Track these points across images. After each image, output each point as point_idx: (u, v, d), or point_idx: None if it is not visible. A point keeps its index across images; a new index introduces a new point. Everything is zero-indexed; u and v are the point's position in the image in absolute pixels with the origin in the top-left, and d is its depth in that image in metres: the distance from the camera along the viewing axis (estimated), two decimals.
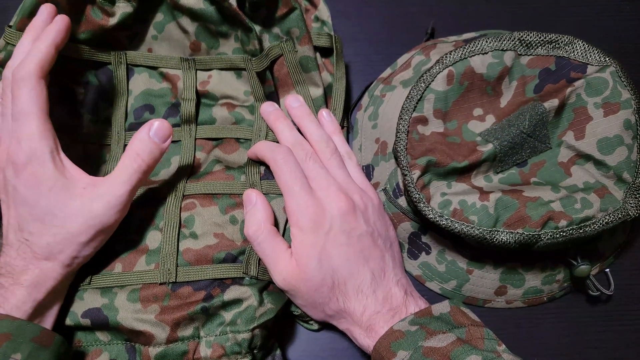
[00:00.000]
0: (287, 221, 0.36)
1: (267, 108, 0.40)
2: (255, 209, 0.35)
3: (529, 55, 0.37)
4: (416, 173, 0.36)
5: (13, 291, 0.30)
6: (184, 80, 0.41)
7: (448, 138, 0.37)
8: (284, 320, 0.38)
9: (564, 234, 0.34)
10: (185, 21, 0.40)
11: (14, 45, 0.36)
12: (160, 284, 0.34)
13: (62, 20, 0.33)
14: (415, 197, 0.35)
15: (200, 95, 0.41)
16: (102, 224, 0.32)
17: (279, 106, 0.41)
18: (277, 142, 0.39)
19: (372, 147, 0.42)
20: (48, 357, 0.29)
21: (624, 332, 0.39)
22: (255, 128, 0.40)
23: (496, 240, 0.34)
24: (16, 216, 0.31)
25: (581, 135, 0.36)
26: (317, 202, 0.34)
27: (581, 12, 0.48)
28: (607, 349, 0.39)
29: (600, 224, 0.34)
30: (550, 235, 0.34)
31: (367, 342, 0.32)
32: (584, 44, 0.37)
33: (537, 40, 0.37)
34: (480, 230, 0.34)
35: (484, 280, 0.39)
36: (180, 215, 0.36)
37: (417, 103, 0.37)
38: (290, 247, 0.35)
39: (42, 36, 0.32)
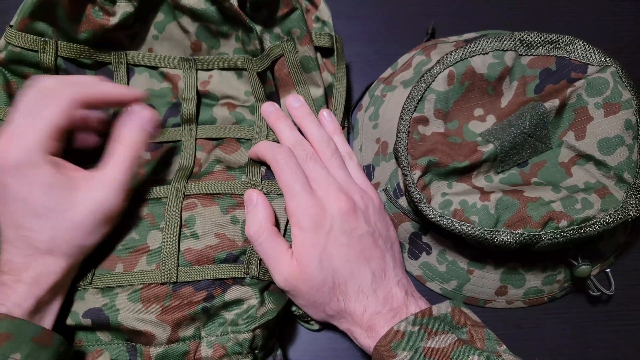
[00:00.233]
0: (288, 221, 0.36)
1: (268, 108, 0.40)
2: (256, 209, 0.35)
3: (529, 56, 0.37)
4: (417, 173, 0.36)
5: (15, 288, 0.30)
6: (184, 80, 0.41)
7: (449, 138, 0.37)
8: (284, 320, 0.38)
9: (565, 234, 0.34)
10: (186, 21, 0.40)
11: (15, 45, 0.36)
12: (161, 284, 0.34)
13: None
14: (416, 197, 0.35)
15: (201, 95, 0.41)
16: (106, 211, 0.32)
17: (280, 106, 0.41)
18: (278, 142, 0.39)
19: (373, 147, 0.42)
20: (48, 356, 0.29)
21: (625, 332, 0.39)
22: (256, 128, 0.40)
23: (497, 240, 0.34)
24: (10, 213, 0.31)
25: (582, 136, 0.36)
26: (317, 202, 0.34)
27: (582, 12, 0.48)
28: (608, 349, 0.39)
29: (601, 224, 0.34)
30: (551, 236, 0.34)
31: (368, 342, 0.32)
32: (584, 44, 0.37)
33: (537, 40, 0.37)
34: (480, 231, 0.34)
35: (485, 281, 0.39)
36: (181, 215, 0.36)
37: (417, 103, 0.37)
38: (291, 247, 0.34)
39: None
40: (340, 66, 0.41)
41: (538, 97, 0.37)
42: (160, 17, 0.41)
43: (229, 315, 0.34)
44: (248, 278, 0.35)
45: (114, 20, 0.38)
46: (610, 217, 0.34)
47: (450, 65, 0.37)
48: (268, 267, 0.34)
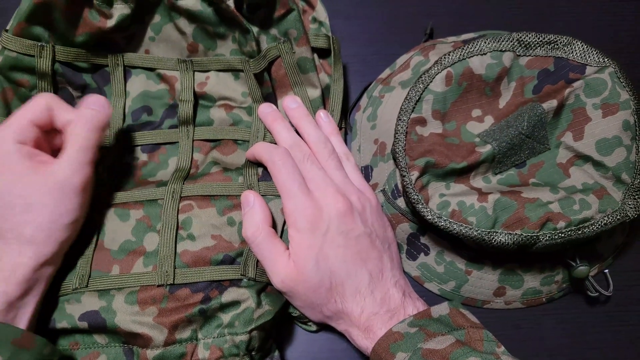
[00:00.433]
0: (284, 223, 0.36)
1: (265, 109, 0.40)
2: (253, 211, 0.35)
3: (527, 56, 0.37)
4: (415, 174, 0.36)
5: None
6: (181, 81, 0.41)
7: (447, 139, 0.37)
8: (282, 321, 0.38)
9: (563, 235, 0.34)
10: (183, 22, 0.40)
11: (11, 50, 0.36)
12: (158, 286, 0.34)
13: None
14: (414, 198, 0.35)
15: (198, 97, 0.41)
16: (65, 188, 0.32)
17: (277, 107, 0.41)
18: (275, 143, 0.39)
19: (371, 148, 0.42)
20: (30, 359, 0.28)
21: (623, 332, 0.39)
22: (253, 129, 0.40)
23: (495, 241, 0.34)
24: None
25: (580, 136, 0.36)
26: (314, 204, 0.34)
27: (581, 12, 0.48)
28: (606, 350, 0.39)
29: (599, 225, 0.34)
30: (549, 237, 0.34)
31: (366, 343, 0.32)
32: (582, 45, 0.36)
33: (535, 41, 0.37)
34: (478, 232, 0.34)
35: (483, 281, 0.39)
36: (177, 217, 0.36)
37: (415, 104, 0.37)
38: (288, 248, 0.34)
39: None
40: (337, 67, 0.41)
41: (536, 98, 0.37)
42: (157, 18, 0.40)
43: (225, 317, 0.34)
44: (245, 280, 0.35)
45: (111, 23, 0.38)
46: (608, 218, 0.34)
47: (448, 66, 0.36)
48: (265, 268, 0.34)
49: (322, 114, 0.40)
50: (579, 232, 0.34)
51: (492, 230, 0.34)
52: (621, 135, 0.35)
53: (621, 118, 0.35)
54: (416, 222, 0.39)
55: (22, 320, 0.31)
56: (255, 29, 0.40)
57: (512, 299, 0.39)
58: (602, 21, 0.48)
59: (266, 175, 0.38)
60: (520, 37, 0.37)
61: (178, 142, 0.40)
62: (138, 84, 0.41)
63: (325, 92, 0.42)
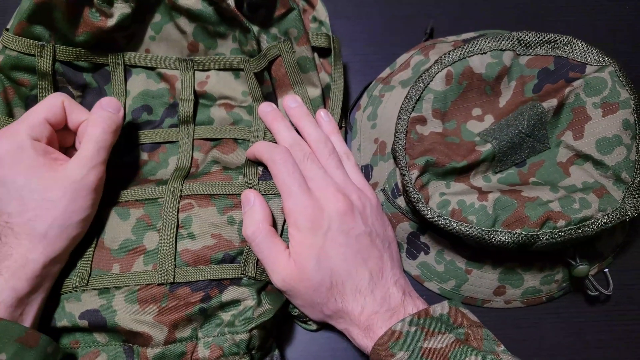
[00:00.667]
0: (285, 221, 0.36)
1: (265, 108, 0.40)
2: (253, 210, 0.35)
3: (527, 55, 0.37)
4: (415, 173, 0.36)
5: None
6: (182, 80, 0.41)
7: (447, 138, 0.37)
8: (282, 320, 0.38)
9: (563, 234, 0.34)
10: (183, 22, 0.40)
11: (12, 49, 0.36)
12: (158, 284, 0.34)
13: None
14: (414, 197, 0.35)
15: (198, 96, 0.41)
16: (79, 188, 0.33)
17: (277, 106, 0.41)
18: (275, 142, 0.39)
19: (371, 147, 0.42)
20: (34, 357, 0.28)
21: (623, 332, 0.39)
22: (253, 128, 0.40)
23: (495, 240, 0.34)
24: None
25: (580, 135, 0.36)
26: (315, 203, 0.34)
27: (580, 11, 0.48)
28: (606, 349, 0.39)
29: (599, 224, 0.34)
30: (549, 236, 0.34)
31: (366, 342, 0.32)
32: (582, 44, 0.36)
33: (536, 40, 0.37)
34: (478, 230, 0.34)
35: (483, 280, 0.39)
36: (177, 215, 0.36)
37: (415, 103, 0.37)
38: (288, 247, 0.34)
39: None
40: (337, 66, 0.41)
41: (536, 97, 0.37)
42: (157, 18, 0.41)
43: (225, 316, 0.34)
44: (245, 279, 0.35)
45: (111, 22, 0.38)
46: (608, 217, 0.34)
47: (448, 65, 0.37)
48: (265, 267, 0.34)
49: (322, 113, 0.41)
50: (579, 231, 0.34)
51: (492, 229, 0.34)
52: (621, 134, 0.35)
53: (621, 117, 0.35)
54: (416, 221, 0.39)
55: (28, 317, 0.31)
56: (255, 28, 0.40)
57: (512, 298, 0.39)
58: (601, 21, 0.48)
59: (266, 174, 0.38)
60: (521, 36, 0.37)
61: (178, 141, 0.40)
62: (138, 83, 0.41)
63: (326, 91, 0.42)
